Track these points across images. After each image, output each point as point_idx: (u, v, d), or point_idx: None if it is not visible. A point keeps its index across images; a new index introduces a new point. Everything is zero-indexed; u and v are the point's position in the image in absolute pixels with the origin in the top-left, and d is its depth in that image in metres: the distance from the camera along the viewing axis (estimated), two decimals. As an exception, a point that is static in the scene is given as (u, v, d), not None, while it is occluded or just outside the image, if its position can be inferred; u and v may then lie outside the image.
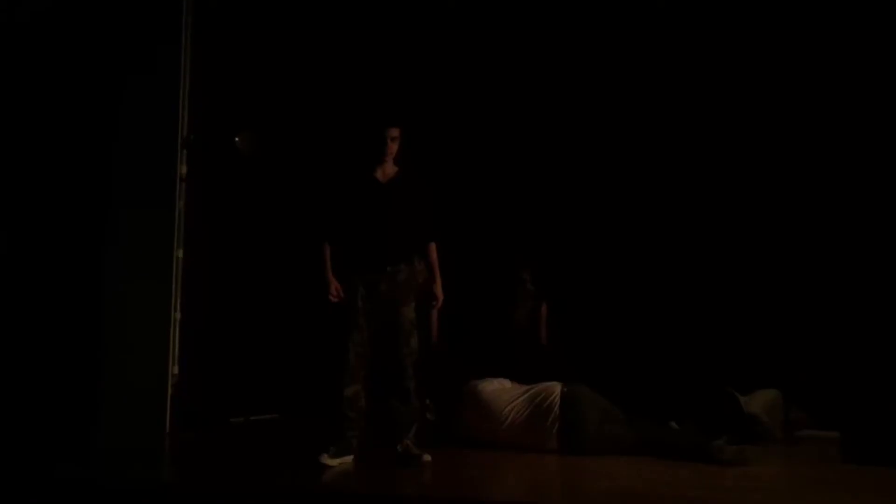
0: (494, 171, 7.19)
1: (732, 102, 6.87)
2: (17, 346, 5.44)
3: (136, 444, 5.27)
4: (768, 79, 6.79)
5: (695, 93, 6.94)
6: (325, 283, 4.92)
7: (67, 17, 5.69)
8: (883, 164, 6.53)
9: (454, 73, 7.12)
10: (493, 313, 7.01)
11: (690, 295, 6.83)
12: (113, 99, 5.77)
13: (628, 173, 7.09)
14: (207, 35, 6.03)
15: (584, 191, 7.19)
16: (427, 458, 4.84)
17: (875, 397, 5.46)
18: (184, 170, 5.95)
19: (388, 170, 4.98)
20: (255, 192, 6.50)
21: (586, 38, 6.98)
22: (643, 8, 6.88)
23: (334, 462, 4.71)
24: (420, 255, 5.01)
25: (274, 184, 6.55)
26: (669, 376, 6.41)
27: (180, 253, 5.92)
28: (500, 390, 5.59)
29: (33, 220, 5.59)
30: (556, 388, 5.45)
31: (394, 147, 4.92)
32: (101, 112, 5.75)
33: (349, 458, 4.78)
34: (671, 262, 6.93)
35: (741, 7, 6.69)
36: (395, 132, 4.91)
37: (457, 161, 7.03)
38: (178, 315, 5.89)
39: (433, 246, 5.04)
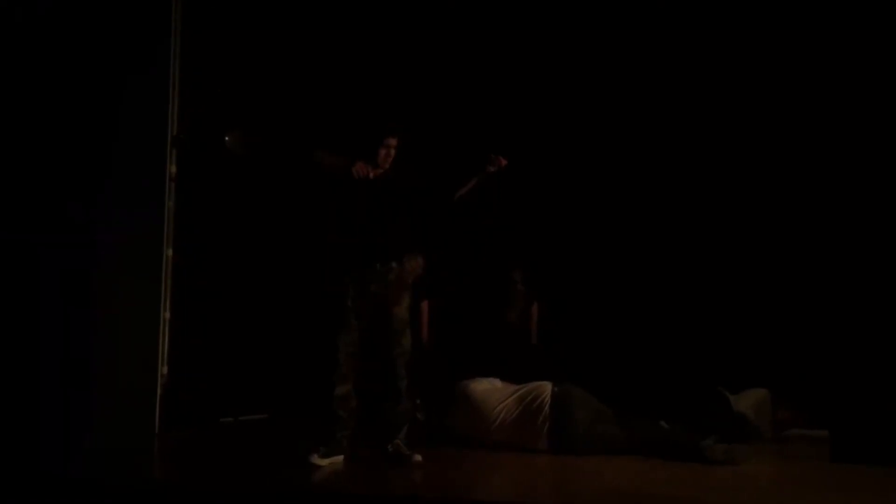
0: (485, 172, 7.18)
1: (722, 101, 6.90)
2: (8, 345, 5.42)
3: (126, 444, 5.25)
4: (760, 79, 6.82)
5: (685, 92, 6.96)
6: (346, 163, 4.81)
7: (56, 18, 5.66)
8: (874, 165, 6.57)
9: (446, 73, 7.12)
10: (484, 313, 7.02)
11: (680, 295, 6.86)
12: (102, 99, 5.75)
13: (619, 174, 7.11)
14: (197, 35, 6.02)
15: (576, 192, 7.21)
16: (417, 458, 4.84)
17: (864, 396, 5.48)
18: (173, 169, 5.94)
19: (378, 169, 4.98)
20: (245, 191, 6.48)
21: (576, 38, 7.00)
22: (642, 8, 6.89)
23: (324, 462, 4.71)
24: (412, 252, 4.99)
25: (264, 183, 6.53)
26: (660, 376, 6.43)
27: (170, 252, 5.91)
28: (490, 390, 5.59)
29: (25, 220, 5.57)
30: (547, 387, 5.45)
31: (389, 157, 4.92)
32: (91, 112, 5.73)
33: (339, 458, 4.78)
34: (661, 262, 6.95)
35: (741, 7, 6.71)
36: (392, 142, 4.91)
37: (448, 162, 7.02)
38: (168, 315, 5.88)
39: None
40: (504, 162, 4.92)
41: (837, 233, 6.59)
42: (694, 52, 6.89)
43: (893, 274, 6.44)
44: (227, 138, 5.98)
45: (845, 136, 6.62)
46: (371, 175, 4.85)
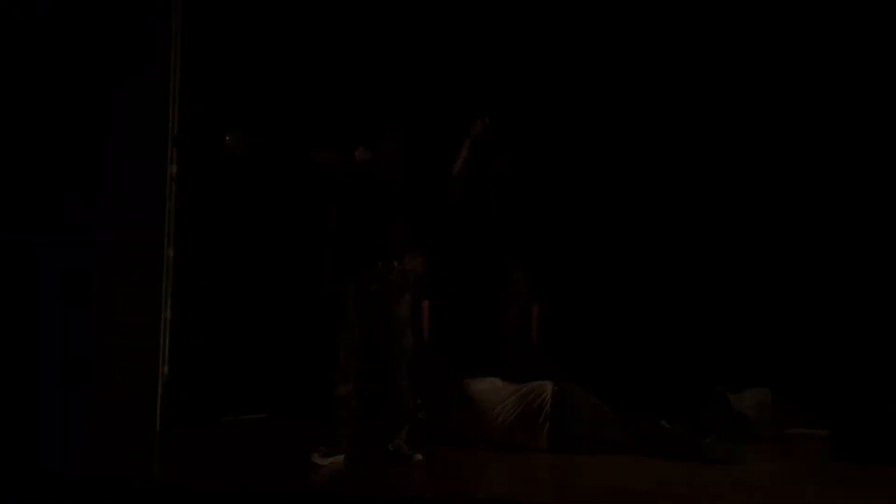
0: (487, 171, 7.19)
1: (722, 101, 6.90)
2: (8, 345, 5.43)
3: (126, 444, 5.25)
4: (760, 79, 6.82)
5: (685, 92, 6.96)
6: (347, 159, 4.84)
7: (56, 17, 5.67)
8: (874, 165, 6.57)
9: (445, 72, 7.12)
10: (484, 313, 7.01)
11: (681, 294, 6.86)
12: (103, 99, 5.75)
13: (619, 174, 7.11)
14: (197, 35, 6.03)
15: (576, 191, 7.20)
16: (418, 457, 4.85)
17: (864, 395, 5.48)
18: (174, 169, 5.94)
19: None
20: (246, 191, 6.49)
21: (575, 37, 7.00)
22: (642, 8, 6.89)
23: (325, 461, 4.71)
24: (413, 251, 4.98)
25: (264, 183, 6.54)
26: (660, 375, 6.43)
27: (171, 252, 5.91)
28: (491, 389, 5.59)
29: (25, 220, 5.58)
30: (548, 387, 5.46)
31: (392, 155, 4.92)
32: (92, 112, 5.74)
33: (340, 458, 4.78)
34: (662, 262, 6.95)
35: (741, 7, 6.71)
36: (391, 140, 4.91)
37: (448, 161, 7.03)
38: (169, 314, 5.89)
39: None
40: (486, 119, 4.93)
41: (837, 232, 6.59)
42: (694, 52, 6.89)
43: (893, 274, 6.44)
44: (227, 138, 5.98)
45: (845, 135, 6.62)
46: (371, 160, 4.84)
